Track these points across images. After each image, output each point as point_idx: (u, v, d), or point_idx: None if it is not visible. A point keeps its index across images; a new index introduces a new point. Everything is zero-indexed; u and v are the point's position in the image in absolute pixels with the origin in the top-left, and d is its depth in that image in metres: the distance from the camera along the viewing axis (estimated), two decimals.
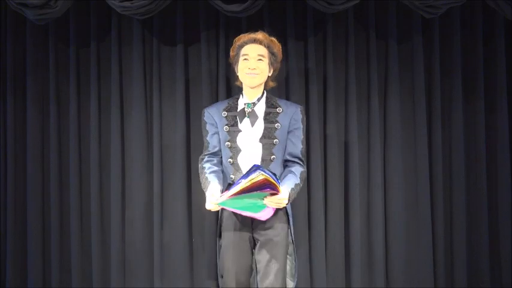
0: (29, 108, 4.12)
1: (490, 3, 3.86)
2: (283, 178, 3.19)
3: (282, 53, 3.36)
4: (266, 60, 3.23)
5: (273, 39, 3.30)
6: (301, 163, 3.27)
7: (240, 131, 3.23)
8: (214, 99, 3.99)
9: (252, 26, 3.98)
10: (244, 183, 2.94)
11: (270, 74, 3.30)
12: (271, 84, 3.37)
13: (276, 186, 2.98)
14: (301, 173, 3.24)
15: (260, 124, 3.22)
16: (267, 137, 3.21)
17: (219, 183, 3.16)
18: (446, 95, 4.12)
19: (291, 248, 3.23)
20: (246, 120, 3.24)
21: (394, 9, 4.05)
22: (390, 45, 4.06)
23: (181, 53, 4.04)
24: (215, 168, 3.25)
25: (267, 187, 2.96)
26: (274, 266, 3.12)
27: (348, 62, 4.05)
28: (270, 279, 3.11)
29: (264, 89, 3.31)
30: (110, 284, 4.05)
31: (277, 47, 3.31)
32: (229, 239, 3.21)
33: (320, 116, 4.03)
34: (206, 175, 3.21)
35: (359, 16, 4.06)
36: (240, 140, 3.23)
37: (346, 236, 4.04)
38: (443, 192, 4.09)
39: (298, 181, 3.19)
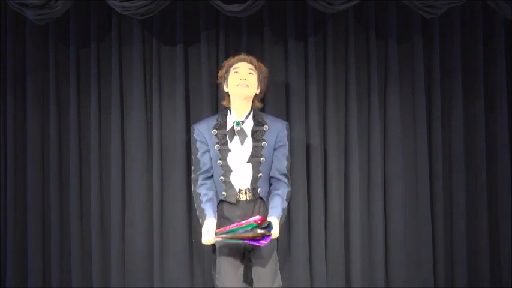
0: (29, 108, 4.11)
1: (490, 3, 3.86)
2: (270, 202, 3.31)
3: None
4: (255, 76, 3.34)
5: (261, 63, 3.44)
6: (286, 181, 3.36)
7: (230, 150, 3.32)
8: (214, 99, 3.99)
9: (252, 26, 4.00)
10: (239, 233, 3.12)
11: (257, 92, 3.38)
12: (258, 104, 3.45)
13: (267, 233, 3.12)
14: (287, 194, 3.35)
15: (249, 142, 3.32)
16: (255, 156, 3.31)
17: (214, 214, 3.26)
18: (446, 95, 4.12)
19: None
20: (236, 139, 3.33)
21: (394, 9, 4.05)
22: (390, 45, 4.06)
23: (181, 53, 4.03)
24: (210, 194, 3.33)
25: (260, 238, 3.12)
26: (266, 270, 3.23)
27: (348, 62, 4.05)
28: (262, 283, 3.23)
29: (251, 107, 3.39)
30: (110, 284, 4.05)
31: (265, 70, 3.43)
32: (224, 253, 3.27)
33: (320, 116, 4.03)
34: (202, 205, 3.30)
35: (359, 16, 4.06)
36: (231, 159, 3.32)
37: (346, 236, 4.03)
38: (443, 192, 4.09)
39: (285, 205, 3.32)
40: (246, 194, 3.32)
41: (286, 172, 3.37)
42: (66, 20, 4.06)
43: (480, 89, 4.10)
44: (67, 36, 4.09)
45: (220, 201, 3.36)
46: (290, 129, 3.46)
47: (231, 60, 3.42)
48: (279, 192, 3.33)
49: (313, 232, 4.00)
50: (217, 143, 3.33)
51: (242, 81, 3.30)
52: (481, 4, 4.03)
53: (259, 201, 3.34)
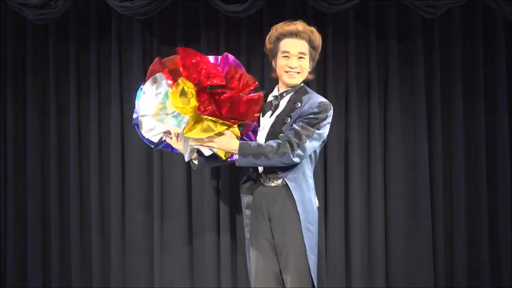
0: (29, 108, 4.12)
1: (490, 3, 3.87)
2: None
3: None
4: (307, 57, 2.96)
5: (313, 29, 3.00)
6: (284, 139, 2.86)
7: (260, 124, 3.06)
8: None
9: (252, 26, 4.00)
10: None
11: (310, 70, 3.02)
12: (310, 77, 3.06)
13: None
14: (275, 142, 2.85)
15: (274, 116, 2.98)
16: (273, 132, 2.95)
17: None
18: (446, 95, 4.12)
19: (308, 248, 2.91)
20: (269, 113, 3.02)
21: (394, 9, 4.05)
22: (390, 45, 4.06)
23: None
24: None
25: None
26: (290, 272, 2.90)
27: (348, 62, 4.05)
28: (290, 276, 2.91)
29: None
30: (110, 284, 4.05)
31: (318, 39, 3.00)
32: (254, 247, 3.02)
33: None
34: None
35: (359, 16, 4.06)
36: (260, 134, 3.03)
37: (346, 236, 4.04)
38: (443, 192, 4.09)
39: (262, 144, 2.86)
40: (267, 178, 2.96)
41: (289, 136, 2.85)
42: (66, 20, 4.06)
43: (480, 89, 4.10)
44: (67, 36, 4.10)
45: (248, 178, 3.02)
46: (325, 111, 2.91)
47: (279, 29, 2.97)
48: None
49: None
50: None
51: (291, 69, 2.94)
52: (481, 4, 4.04)
53: (283, 189, 2.93)
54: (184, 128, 2.78)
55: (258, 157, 2.82)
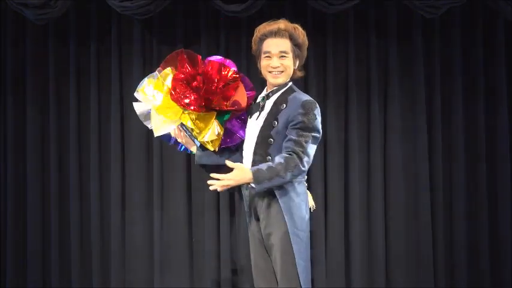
0: (29, 108, 4.12)
1: (490, 3, 3.87)
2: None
3: None
4: (290, 55, 2.92)
5: (297, 26, 2.95)
6: (289, 152, 2.83)
7: (247, 125, 3.04)
8: None
9: (252, 26, 3.98)
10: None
11: (295, 67, 2.97)
12: (299, 74, 3.01)
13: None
14: (282, 158, 2.81)
15: (261, 119, 2.95)
16: (262, 136, 2.93)
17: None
18: (446, 95, 4.12)
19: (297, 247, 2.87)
20: (255, 115, 3.00)
21: (394, 9, 4.05)
22: (390, 45, 4.07)
23: None
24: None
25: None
26: (278, 269, 2.89)
27: (348, 62, 4.05)
28: (278, 280, 2.91)
29: (289, 80, 2.99)
30: (110, 284, 4.05)
31: (302, 36, 2.95)
32: (251, 248, 3.03)
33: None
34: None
35: (359, 16, 4.06)
36: (248, 138, 3.01)
37: (346, 236, 4.04)
38: (443, 192, 4.10)
39: (272, 164, 2.80)
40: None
41: (292, 147, 2.82)
42: (66, 20, 4.06)
43: (480, 89, 4.11)
44: (67, 36, 4.09)
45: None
46: (311, 110, 2.86)
47: (261, 30, 2.95)
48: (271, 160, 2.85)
49: (313, 232, 4.00)
50: (248, 115, 3.04)
51: (274, 69, 2.91)
52: (481, 4, 4.04)
53: (268, 197, 2.88)
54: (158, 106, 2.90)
55: (273, 179, 2.82)
